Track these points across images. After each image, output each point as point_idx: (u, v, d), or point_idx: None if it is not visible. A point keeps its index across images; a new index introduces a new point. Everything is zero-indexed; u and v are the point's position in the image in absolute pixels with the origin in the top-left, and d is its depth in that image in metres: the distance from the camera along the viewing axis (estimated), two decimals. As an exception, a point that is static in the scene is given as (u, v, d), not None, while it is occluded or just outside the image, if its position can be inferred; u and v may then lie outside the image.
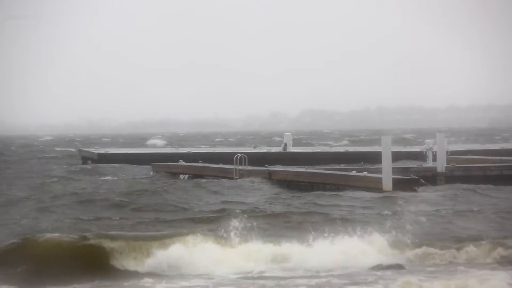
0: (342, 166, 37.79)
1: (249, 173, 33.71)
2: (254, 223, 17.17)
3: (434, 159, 34.46)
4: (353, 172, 30.71)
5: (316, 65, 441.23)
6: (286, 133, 52.61)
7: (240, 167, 34.11)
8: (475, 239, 16.98)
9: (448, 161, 34.23)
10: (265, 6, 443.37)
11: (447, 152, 34.03)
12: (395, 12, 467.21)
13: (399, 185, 27.76)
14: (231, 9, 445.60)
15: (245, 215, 18.82)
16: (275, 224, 19.26)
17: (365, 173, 29.94)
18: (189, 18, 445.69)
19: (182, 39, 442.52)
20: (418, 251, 16.21)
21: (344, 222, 18.98)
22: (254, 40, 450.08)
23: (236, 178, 33.46)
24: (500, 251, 16.12)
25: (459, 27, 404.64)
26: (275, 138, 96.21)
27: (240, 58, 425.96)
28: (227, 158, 38.68)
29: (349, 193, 27.17)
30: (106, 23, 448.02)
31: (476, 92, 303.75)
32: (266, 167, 34.40)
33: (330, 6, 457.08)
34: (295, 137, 67.61)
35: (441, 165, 33.62)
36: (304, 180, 30.70)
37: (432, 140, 35.71)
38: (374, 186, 27.87)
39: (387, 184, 27.80)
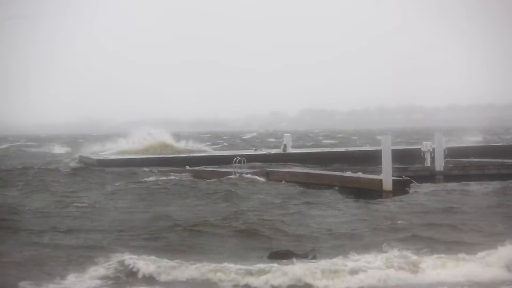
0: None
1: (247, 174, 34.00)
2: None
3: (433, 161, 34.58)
4: (348, 172, 30.76)
5: (316, 62, 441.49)
6: (285, 134, 52.37)
7: (239, 170, 34.39)
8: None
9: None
10: (266, 1, 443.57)
11: (444, 151, 34.10)
12: (395, 10, 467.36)
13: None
14: (231, 4, 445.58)
15: None
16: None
17: (359, 173, 29.96)
18: (188, 15, 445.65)
19: (182, 36, 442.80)
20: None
21: None
22: (254, 35, 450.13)
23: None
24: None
25: (459, 26, 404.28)
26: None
27: (240, 54, 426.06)
28: (229, 161, 38.91)
29: None
30: (105, 22, 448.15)
31: (476, 91, 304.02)
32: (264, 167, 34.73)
33: (329, 3, 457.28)
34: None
35: (439, 165, 33.66)
36: (301, 180, 30.77)
37: (430, 142, 35.77)
38: (369, 187, 27.95)
39: (387, 184, 27.83)
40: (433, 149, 34.75)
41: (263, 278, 13.80)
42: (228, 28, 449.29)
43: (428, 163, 35.31)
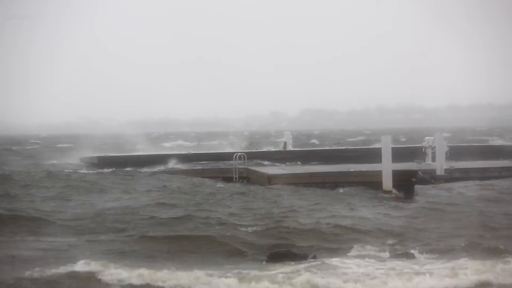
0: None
1: (248, 173, 33.88)
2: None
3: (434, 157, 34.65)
4: (350, 170, 30.97)
5: (316, 62, 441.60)
6: (285, 132, 52.27)
7: (240, 166, 34.36)
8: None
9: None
10: (266, 1, 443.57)
11: (446, 153, 34.04)
12: (395, 10, 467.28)
13: (395, 177, 28.01)
14: (231, 4, 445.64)
15: None
16: None
17: (361, 170, 30.24)
18: (188, 15, 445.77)
19: (182, 36, 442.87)
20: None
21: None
22: (254, 35, 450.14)
23: (236, 177, 33.65)
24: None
25: (459, 26, 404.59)
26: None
27: (240, 54, 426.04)
28: (229, 158, 39.23)
29: None
30: (106, 22, 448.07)
31: (476, 91, 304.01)
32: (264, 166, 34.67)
33: (329, 3, 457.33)
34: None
35: (440, 167, 33.58)
36: (304, 181, 30.75)
37: (432, 137, 35.93)
38: (373, 180, 28.16)
39: (387, 184, 27.87)
40: (435, 146, 34.88)
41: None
42: (228, 28, 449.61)
43: (429, 159, 35.39)
